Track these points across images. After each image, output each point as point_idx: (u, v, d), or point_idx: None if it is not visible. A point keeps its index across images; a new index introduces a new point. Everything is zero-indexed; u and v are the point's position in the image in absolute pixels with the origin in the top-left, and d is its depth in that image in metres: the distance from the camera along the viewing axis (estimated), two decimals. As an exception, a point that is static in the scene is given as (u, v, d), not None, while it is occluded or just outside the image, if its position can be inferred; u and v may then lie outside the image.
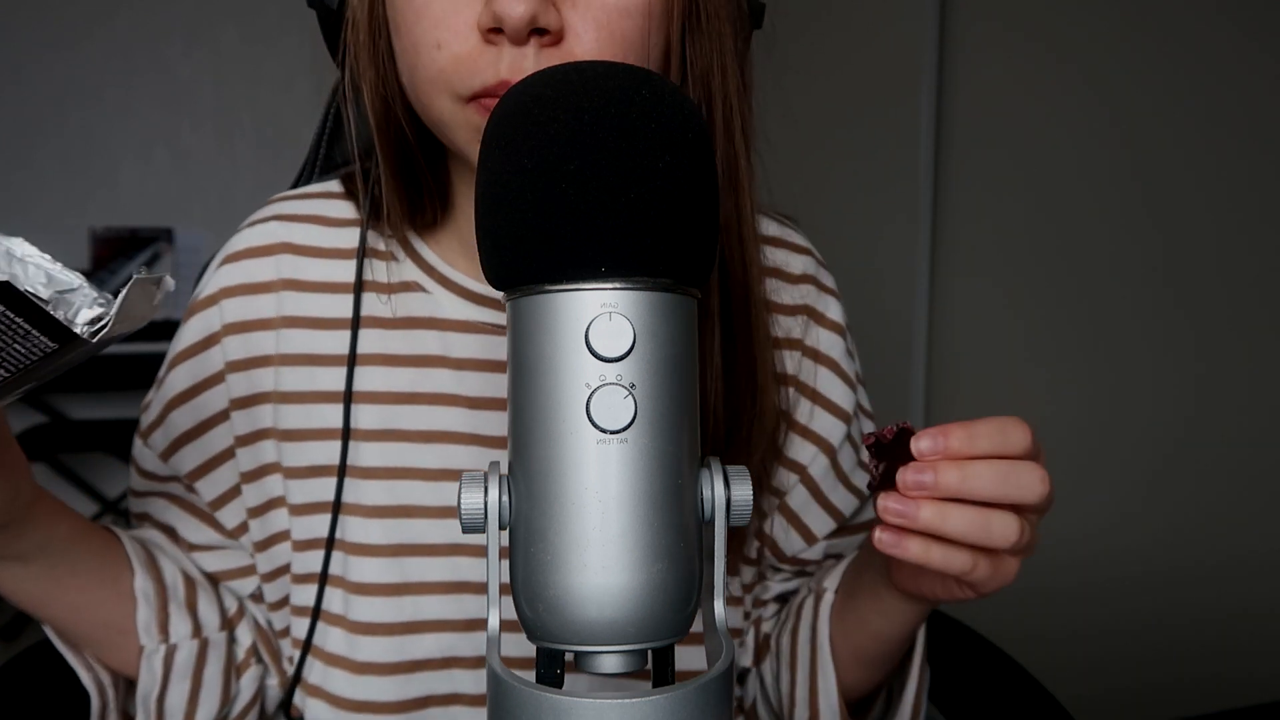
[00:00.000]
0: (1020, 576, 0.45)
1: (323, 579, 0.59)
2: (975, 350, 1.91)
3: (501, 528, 0.33)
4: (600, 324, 0.31)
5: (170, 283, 0.41)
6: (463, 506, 0.33)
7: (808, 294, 0.65)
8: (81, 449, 2.71)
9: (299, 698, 0.62)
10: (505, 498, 0.33)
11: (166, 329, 0.65)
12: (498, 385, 0.58)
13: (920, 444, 0.42)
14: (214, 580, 0.64)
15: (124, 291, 0.35)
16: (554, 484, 0.32)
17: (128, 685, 0.61)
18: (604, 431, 0.31)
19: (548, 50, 0.46)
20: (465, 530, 0.33)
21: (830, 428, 0.64)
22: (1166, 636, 1.49)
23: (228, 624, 0.62)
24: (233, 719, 0.62)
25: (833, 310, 0.66)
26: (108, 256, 2.83)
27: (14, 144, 2.78)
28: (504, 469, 0.34)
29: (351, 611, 0.58)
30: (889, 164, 2.06)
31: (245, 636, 0.63)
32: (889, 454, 0.44)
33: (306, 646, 0.60)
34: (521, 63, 0.46)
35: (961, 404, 1.93)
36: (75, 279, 0.35)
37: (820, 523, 0.65)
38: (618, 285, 0.31)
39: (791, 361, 0.63)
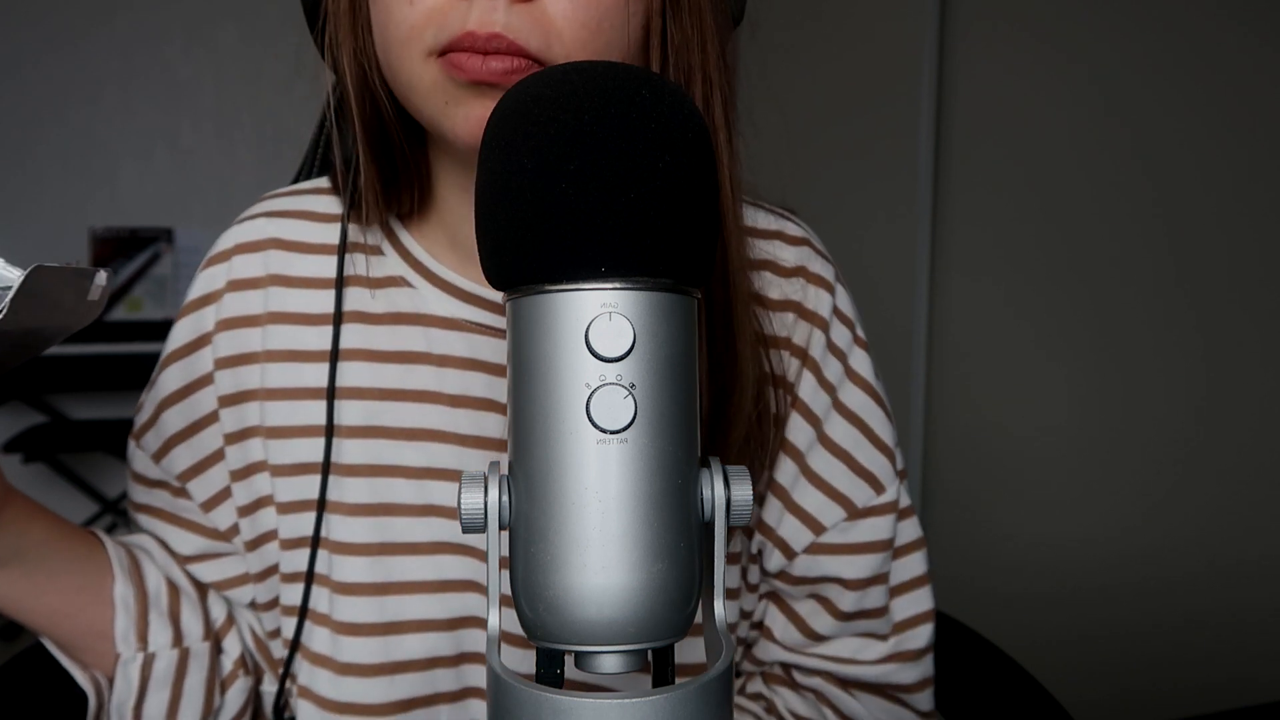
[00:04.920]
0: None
1: (309, 578, 0.58)
2: (975, 351, 1.90)
3: (502, 528, 0.33)
4: (600, 324, 0.31)
5: (102, 276, 0.41)
6: (463, 506, 0.33)
7: (796, 289, 0.61)
8: (81, 449, 2.72)
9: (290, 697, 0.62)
10: (505, 498, 0.33)
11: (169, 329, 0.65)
12: (474, 383, 0.58)
13: None
14: (212, 590, 0.64)
15: (21, 275, 0.36)
16: (554, 484, 0.32)
17: None
18: (604, 431, 0.31)
19: (519, 6, 0.45)
20: (465, 530, 0.33)
21: (797, 430, 0.60)
22: (1172, 640, 1.49)
23: (213, 635, 0.62)
24: None
25: (815, 301, 0.61)
26: (108, 256, 2.83)
27: (14, 144, 2.77)
28: (504, 469, 0.34)
29: (336, 612, 0.58)
30: (888, 162, 2.05)
31: (234, 647, 0.63)
32: None
33: (294, 646, 0.59)
34: (490, 15, 0.44)
35: (961, 405, 1.93)
36: (14, 275, 0.36)
37: (796, 533, 0.61)
38: (618, 285, 0.31)
39: (778, 361, 0.60)
